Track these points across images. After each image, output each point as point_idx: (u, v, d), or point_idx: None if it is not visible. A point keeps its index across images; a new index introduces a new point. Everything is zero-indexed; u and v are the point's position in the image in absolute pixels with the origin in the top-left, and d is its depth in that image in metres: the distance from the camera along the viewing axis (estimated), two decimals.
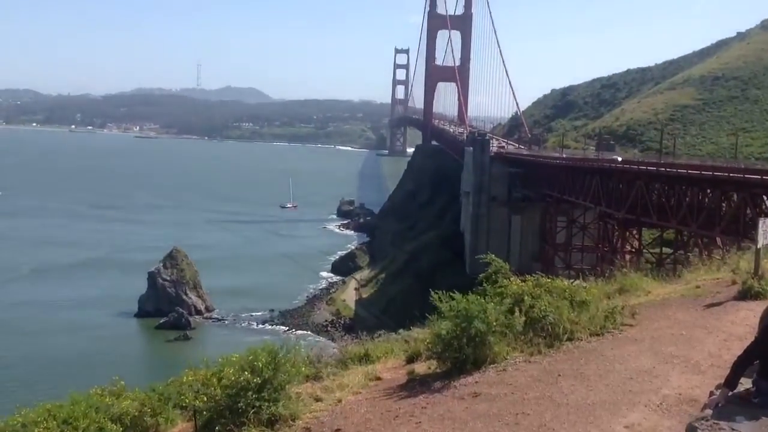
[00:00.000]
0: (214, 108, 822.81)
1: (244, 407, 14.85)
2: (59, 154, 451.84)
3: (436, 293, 17.32)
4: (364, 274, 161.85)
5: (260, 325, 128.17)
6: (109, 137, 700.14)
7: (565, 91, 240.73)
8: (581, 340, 17.49)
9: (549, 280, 18.70)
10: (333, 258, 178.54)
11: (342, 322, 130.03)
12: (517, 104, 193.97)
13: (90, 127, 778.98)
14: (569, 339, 17.35)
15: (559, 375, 15.47)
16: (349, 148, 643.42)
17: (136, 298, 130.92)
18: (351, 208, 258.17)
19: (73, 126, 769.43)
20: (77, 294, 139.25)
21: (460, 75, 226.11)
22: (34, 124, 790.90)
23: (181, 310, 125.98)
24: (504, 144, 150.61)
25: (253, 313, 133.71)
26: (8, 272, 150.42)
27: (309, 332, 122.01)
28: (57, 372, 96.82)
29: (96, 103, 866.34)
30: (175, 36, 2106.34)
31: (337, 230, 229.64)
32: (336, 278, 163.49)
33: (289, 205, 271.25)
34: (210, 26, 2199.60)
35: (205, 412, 15.58)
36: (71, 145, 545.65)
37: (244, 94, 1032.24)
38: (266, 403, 14.95)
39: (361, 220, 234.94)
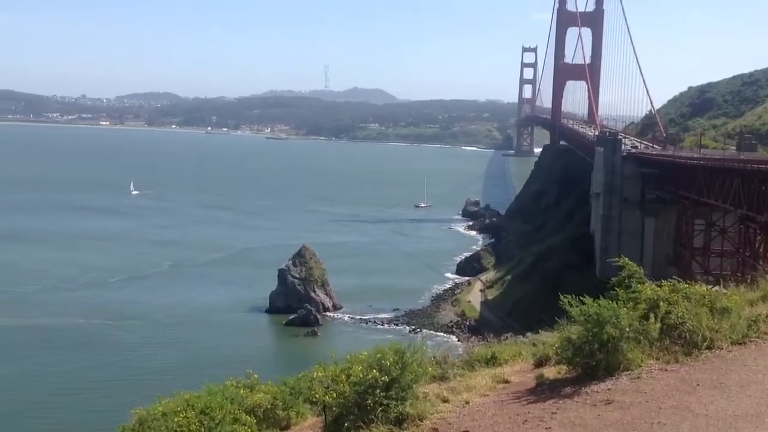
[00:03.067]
0: (341, 109, 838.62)
1: (372, 405, 15.02)
2: (199, 155, 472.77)
3: (566, 297, 16.97)
4: (489, 275, 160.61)
5: (386, 324, 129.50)
6: (243, 138, 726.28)
7: (703, 89, 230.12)
8: (721, 348, 16.74)
9: (687, 286, 17.97)
10: (458, 259, 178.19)
11: (467, 323, 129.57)
12: (651, 102, 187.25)
13: (225, 129, 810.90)
14: (708, 347, 16.64)
15: (698, 384, 14.87)
16: (474, 149, 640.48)
17: (267, 295, 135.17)
18: (476, 208, 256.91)
19: (209, 128, 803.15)
20: (212, 289, 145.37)
21: (590, 73, 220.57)
22: (173, 126, 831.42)
23: (309, 307, 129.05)
24: (637, 144, 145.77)
25: (379, 312, 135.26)
26: (149, 268, 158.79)
27: (434, 332, 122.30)
28: (193, 363, 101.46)
29: (230, 106, 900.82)
30: (305, 40, 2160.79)
31: (463, 231, 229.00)
32: (461, 279, 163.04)
33: (422, 205, 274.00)
34: (338, 29, 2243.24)
35: (334, 408, 15.86)
36: (209, 146, 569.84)
37: (371, 95, 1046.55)
38: (394, 402, 15.07)
39: (487, 221, 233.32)
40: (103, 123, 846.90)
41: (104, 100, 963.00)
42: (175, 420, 15.54)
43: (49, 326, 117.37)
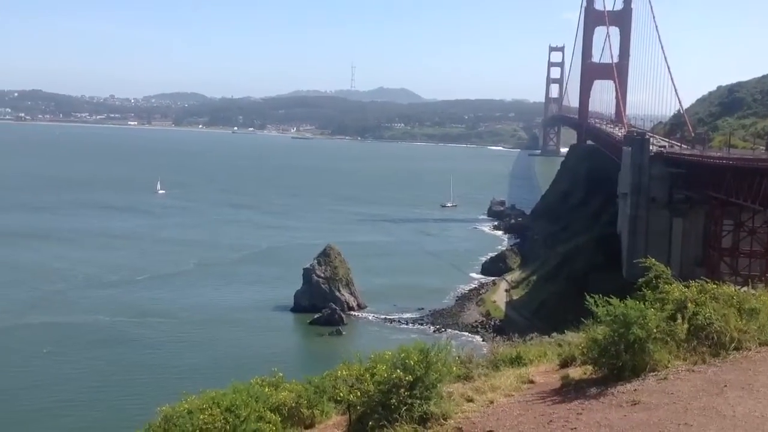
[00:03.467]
0: (366, 109, 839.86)
1: (396, 404, 15.04)
2: (225, 155, 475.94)
3: (592, 297, 16.89)
4: (514, 275, 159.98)
5: (410, 324, 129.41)
6: (268, 138, 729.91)
7: (732, 88, 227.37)
8: (749, 350, 16.56)
9: (714, 287, 17.80)
10: (483, 259, 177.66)
11: (492, 323, 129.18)
12: (679, 102, 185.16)
13: (251, 129, 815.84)
14: (736, 348, 16.47)
15: (725, 386, 14.71)
16: (500, 148, 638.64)
17: (291, 294, 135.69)
18: (502, 208, 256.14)
19: (235, 128, 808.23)
20: (237, 288, 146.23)
21: (617, 72, 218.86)
22: (200, 126, 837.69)
23: (334, 306, 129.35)
24: (665, 143, 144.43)
25: (404, 312, 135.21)
26: (175, 267, 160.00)
27: (459, 332, 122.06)
28: (218, 361, 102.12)
29: (256, 106, 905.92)
30: (330, 40, 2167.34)
31: (488, 231, 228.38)
32: (486, 279, 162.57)
33: (448, 204, 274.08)
34: (363, 30, 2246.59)
35: (358, 407, 15.89)
36: (235, 146, 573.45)
37: (396, 94, 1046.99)
38: (418, 401, 15.07)
39: (512, 221, 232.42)
40: (131, 123, 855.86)
41: (132, 100, 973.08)
42: (201, 417, 15.65)
43: (77, 324, 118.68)
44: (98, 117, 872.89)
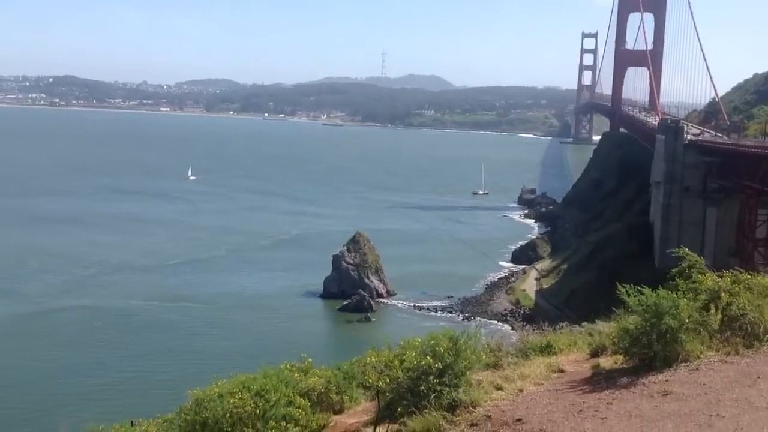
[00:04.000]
0: (397, 96, 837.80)
1: (425, 391, 15.06)
2: (255, 141, 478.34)
3: (623, 286, 16.76)
4: (545, 264, 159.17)
5: (439, 312, 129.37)
6: (299, 125, 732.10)
7: None
8: None
9: (749, 277, 17.56)
10: (513, 247, 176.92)
11: (521, 311, 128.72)
12: (714, 89, 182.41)
13: (281, 115, 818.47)
14: None
15: (759, 377, 14.53)
16: (531, 136, 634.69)
17: (321, 280, 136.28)
18: (532, 196, 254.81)
19: (266, 114, 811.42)
20: (267, 274, 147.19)
21: (652, 59, 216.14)
22: (231, 113, 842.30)
23: (363, 293, 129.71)
24: (699, 131, 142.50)
25: (433, 299, 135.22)
26: (206, 252, 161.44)
27: (488, 320, 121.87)
28: (248, 346, 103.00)
29: (287, 92, 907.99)
30: (361, 27, 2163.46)
31: (518, 219, 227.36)
32: (516, 267, 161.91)
33: (480, 192, 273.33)
34: (394, 16, 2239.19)
35: (387, 393, 15.93)
36: (266, 132, 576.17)
37: (427, 81, 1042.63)
38: (447, 388, 15.08)
39: (543, 209, 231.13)
40: (163, 109, 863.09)
41: (164, 87, 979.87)
42: (231, 401, 15.79)
43: (108, 308, 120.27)
44: (131, 103, 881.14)
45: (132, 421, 20.83)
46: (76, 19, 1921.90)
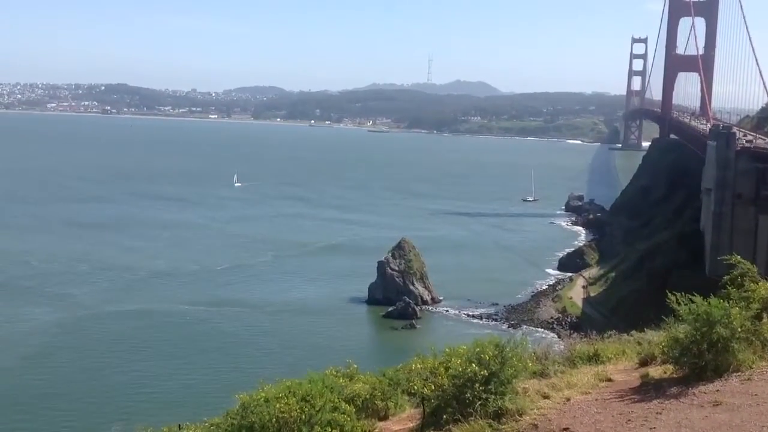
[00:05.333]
0: (443, 102, 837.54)
1: (470, 398, 14.99)
2: (301, 148, 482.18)
3: (674, 294, 16.50)
4: (592, 272, 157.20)
5: (484, 319, 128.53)
6: (345, 131, 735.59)
7: None
8: None
9: None
10: (560, 254, 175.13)
11: (568, 319, 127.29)
12: None
13: (327, 122, 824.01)
14: None
15: None
16: (579, 142, 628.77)
17: (366, 287, 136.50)
18: (580, 203, 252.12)
19: (312, 121, 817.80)
20: (312, 279, 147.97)
21: (703, 64, 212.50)
22: (278, 120, 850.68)
23: (408, 299, 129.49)
24: (752, 138, 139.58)
25: (478, 306, 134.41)
26: (253, 258, 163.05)
27: (534, 328, 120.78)
28: (293, 351, 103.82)
29: (333, 99, 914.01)
30: (408, 33, 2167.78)
31: (565, 226, 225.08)
32: (563, 275, 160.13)
33: (530, 198, 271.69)
34: (440, 22, 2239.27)
35: (432, 400, 15.89)
36: (312, 139, 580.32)
37: (473, 87, 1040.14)
38: (493, 396, 14.99)
39: (591, 216, 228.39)
40: (212, 116, 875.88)
41: (213, 94, 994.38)
42: (277, 406, 15.88)
43: (157, 313, 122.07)
44: (180, 110, 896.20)
45: (180, 425, 21.10)
46: (128, 28, 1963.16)
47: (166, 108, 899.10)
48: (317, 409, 16.09)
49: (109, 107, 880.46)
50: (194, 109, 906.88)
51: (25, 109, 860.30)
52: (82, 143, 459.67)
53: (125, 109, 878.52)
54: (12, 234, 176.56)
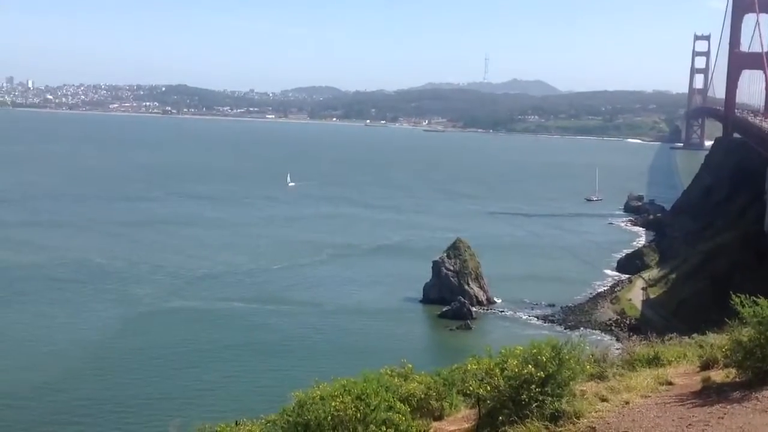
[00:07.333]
0: (499, 101, 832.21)
1: (527, 400, 14.86)
2: (357, 148, 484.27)
3: (737, 297, 16.10)
4: (652, 273, 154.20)
5: (540, 320, 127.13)
6: (400, 131, 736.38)
7: None
8: None
9: None
10: (619, 255, 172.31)
11: (627, 322, 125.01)
12: None
13: (383, 122, 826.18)
14: None
15: None
16: (638, 141, 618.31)
17: (421, 286, 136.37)
18: (639, 203, 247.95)
19: (367, 120, 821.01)
20: (368, 278, 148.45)
21: (767, 61, 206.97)
22: (334, 119, 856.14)
23: (463, 299, 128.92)
24: None
25: (534, 307, 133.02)
26: (309, 256, 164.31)
27: (591, 330, 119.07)
28: (348, 349, 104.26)
29: (389, 99, 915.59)
30: (464, 32, 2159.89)
31: (624, 226, 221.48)
32: (621, 276, 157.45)
33: (594, 198, 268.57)
34: (497, 21, 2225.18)
35: (488, 401, 15.79)
36: (368, 139, 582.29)
37: (530, 86, 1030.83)
38: (550, 398, 14.83)
39: (651, 217, 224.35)
40: (269, 116, 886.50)
41: (270, 95, 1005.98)
42: (333, 404, 15.98)
43: (215, 310, 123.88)
44: (238, 111, 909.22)
45: (237, 421, 21.37)
46: (187, 30, 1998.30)
47: (225, 108, 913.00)
48: (372, 408, 16.13)
49: (169, 107, 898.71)
50: (252, 109, 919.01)
51: (88, 110, 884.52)
52: (141, 143, 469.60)
53: (185, 110, 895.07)
54: (72, 233, 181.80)
